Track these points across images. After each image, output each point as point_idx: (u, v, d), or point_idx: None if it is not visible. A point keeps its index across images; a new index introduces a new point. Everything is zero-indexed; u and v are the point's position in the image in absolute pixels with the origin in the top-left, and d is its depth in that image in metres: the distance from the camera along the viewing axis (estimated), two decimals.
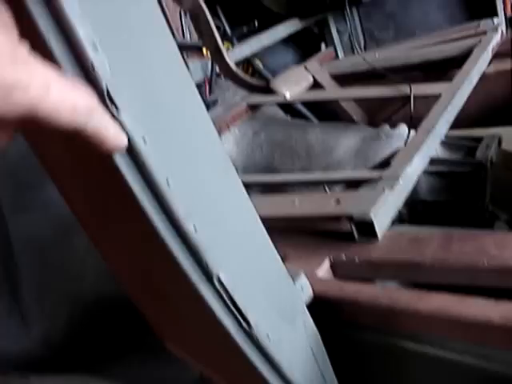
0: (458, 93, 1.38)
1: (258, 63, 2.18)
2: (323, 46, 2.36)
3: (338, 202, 0.97)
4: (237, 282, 0.67)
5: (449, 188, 1.45)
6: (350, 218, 0.92)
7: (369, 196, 0.95)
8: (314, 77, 1.91)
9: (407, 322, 0.77)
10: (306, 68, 1.93)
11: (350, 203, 0.95)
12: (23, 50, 0.36)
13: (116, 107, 0.51)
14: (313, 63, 2.02)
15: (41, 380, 1.93)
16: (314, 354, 0.81)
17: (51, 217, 1.65)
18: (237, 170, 0.69)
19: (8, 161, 1.66)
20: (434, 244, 0.86)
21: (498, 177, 1.43)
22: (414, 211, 1.46)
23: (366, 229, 0.91)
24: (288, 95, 1.67)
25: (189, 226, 0.60)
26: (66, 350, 1.78)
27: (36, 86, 0.36)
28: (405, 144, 1.26)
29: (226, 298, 0.66)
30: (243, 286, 0.68)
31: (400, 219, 1.39)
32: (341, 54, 2.31)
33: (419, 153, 1.08)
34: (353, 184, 1.08)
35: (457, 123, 1.75)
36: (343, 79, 1.99)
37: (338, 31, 2.32)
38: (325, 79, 1.94)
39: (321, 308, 0.83)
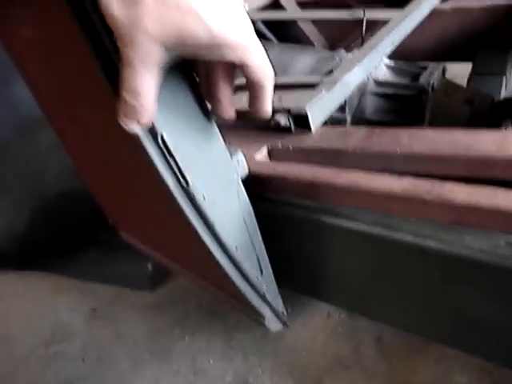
0: (407, 19, 1.48)
1: None
2: None
3: (279, 99, 1.08)
4: (178, 143, 0.78)
5: (392, 109, 1.56)
6: (288, 112, 1.03)
7: (307, 95, 1.06)
8: (278, 0, 1.98)
9: (326, 194, 0.89)
10: None
11: (290, 100, 1.06)
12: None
13: None
14: None
15: (3, 274, 2.05)
16: (246, 223, 0.93)
17: (17, 114, 1.71)
18: None
19: None
20: (358, 136, 0.98)
21: (437, 102, 1.55)
22: None
23: (302, 122, 1.03)
24: (247, 7, 1.75)
25: None
26: (28, 244, 1.88)
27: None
28: None
29: (167, 156, 0.77)
30: (184, 148, 0.79)
31: None
32: None
33: (359, 64, 1.19)
34: (298, 88, 1.18)
35: (413, 56, 1.86)
36: (307, 6, 2.06)
37: None
38: (289, 3, 2.02)
39: (255, 184, 0.95)
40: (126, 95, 0.53)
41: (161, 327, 1.68)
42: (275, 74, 1.52)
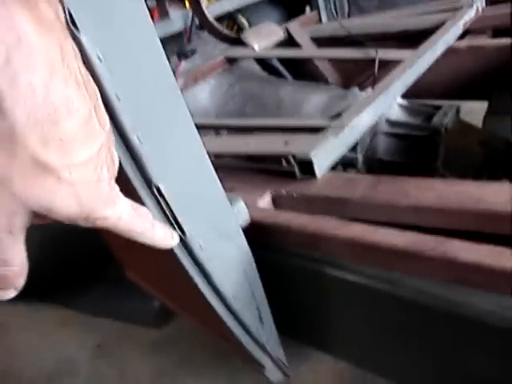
0: (420, 60, 1.46)
1: (243, 21, 2.24)
2: (308, 9, 2.42)
3: (286, 143, 1.06)
4: (175, 194, 0.76)
5: (405, 150, 1.54)
6: (294, 158, 1.01)
7: (313, 140, 1.04)
8: (293, 37, 1.99)
9: (328, 247, 0.86)
10: (286, 28, 2.00)
11: (296, 145, 1.04)
12: (116, 190, 0.47)
13: (77, 29, 0.60)
14: (294, 24, 2.09)
15: (11, 306, 2.04)
16: (246, 274, 0.91)
17: None
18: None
19: None
20: (364, 184, 0.96)
21: (451, 143, 1.52)
22: (371, 169, 1.55)
23: (307, 168, 1.00)
24: (257, 47, 1.75)
25: (133, 136, 0.69)
26: (36, 276, 1.87)
27: (113, 218, 0.47)
28: None
29: (164, 207, 0.75)
30: (181, 198, 0.77)
31: None
32: (324, 18, 2.36)
33: (369, 108, 1.17)
34: (306, 131, 1.16)
35: (427, 94, 1.85)
36: (322, 42, 2.06)
37: None
38: (304, 41, 2.02)
39: (257, 232, 0.92)
40: None
41: (166, 367, 1.65)
42: (289, 112, 1.50)
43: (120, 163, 0.71)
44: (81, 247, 1.81)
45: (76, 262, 1.86)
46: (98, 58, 0.63)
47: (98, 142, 0.41)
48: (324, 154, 1.02)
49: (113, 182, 0.46)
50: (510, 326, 0.73)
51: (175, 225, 0.77)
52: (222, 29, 1.82)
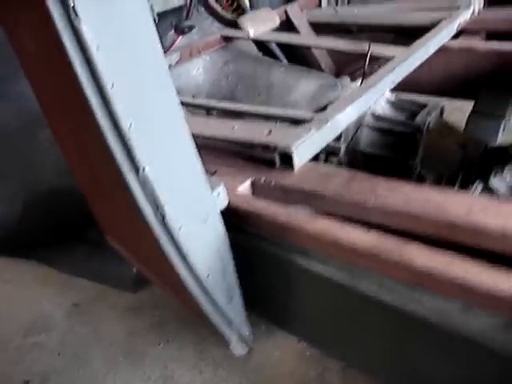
0: (411, 57, 1.50)
1: (245, 0, 2.24)
2: None
3: (269, 132, 1.11)
4: (160, 178, 0.81)
5: (386, 144, 1.59)
6: (275, 149, 1.06)
7: (296, 132, 1.09)
8: (291, 21, 2.02)
9: (296, 238, 0.92)
10: (285, 11, 2.04)
11: (279, 135, 1.09)
12: None
13: (77, 17, 0.65)
14: (294, 6, 2.11)
15: None
16: (220, 254, 0.96)
17: (21, 109, 1.74)
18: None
19: None
20: (338, 180, 1.01)
21: (431, 142, 1.57)
22: (352, 160, 1.60)
23: (287, 159, 1.06)
24: (252, 33, 1.78)
25: (125, 123, 0.74)
26: (20, 233, 1.91)
27: None
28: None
29: (147, 189, 0.80)
30: (165, 182, 0.82)
31: (340, 165, 1.55)
32: (324, 2, 2.38)
33: (353, 103, 1.21)
34: (291, 121, 1.21)
35: (417, 89, 1.89)
36: (319, 27, 2.10)
37: None
38: (302, 25, 2.05)
39: (234, 216, 0.98)
40: None
41: (138, 331, 1.72)
42: (278, 97, 1.53)
43: (110, 148, 0.77)
44: (65, 209, 1.85)
45: (59, 222, 1.90)
46: (97, 47, 0.68)
47: None
48: (305, 148, 1.07)
49: None
50: (456, 330, 0.79)
51: (157, 207, 0.83)
52: (220, 10, 1.85)
